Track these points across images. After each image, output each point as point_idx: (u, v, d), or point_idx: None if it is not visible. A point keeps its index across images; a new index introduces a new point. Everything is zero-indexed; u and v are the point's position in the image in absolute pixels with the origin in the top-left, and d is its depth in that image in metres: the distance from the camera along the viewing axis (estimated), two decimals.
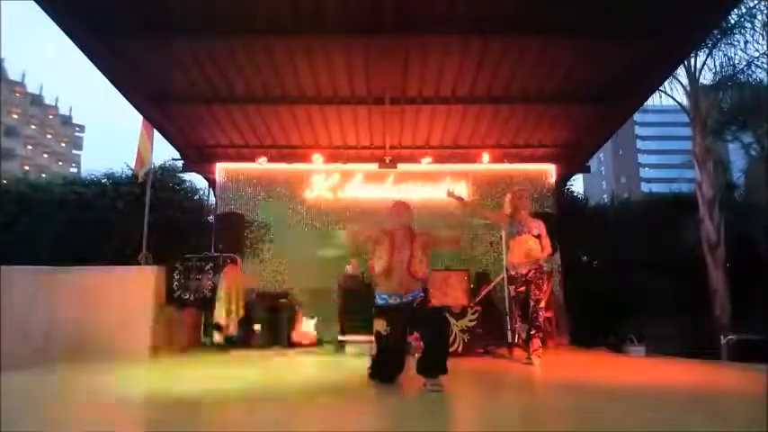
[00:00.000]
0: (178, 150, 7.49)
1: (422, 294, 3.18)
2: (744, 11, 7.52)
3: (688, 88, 7.88)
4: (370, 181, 7.35)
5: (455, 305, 5.19)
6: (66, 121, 50.16)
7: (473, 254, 7.25)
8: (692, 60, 7.73)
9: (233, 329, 5.68)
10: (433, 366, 2.94)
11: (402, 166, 7.27)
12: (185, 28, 4.94)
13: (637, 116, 38.99)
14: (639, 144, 55.16)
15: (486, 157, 7.17)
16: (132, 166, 6.86)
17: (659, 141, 52.42)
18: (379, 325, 3.13)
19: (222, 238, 6.36)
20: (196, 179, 8.55)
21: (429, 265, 3.18)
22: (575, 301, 6.92)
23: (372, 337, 5.19)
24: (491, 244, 7.24)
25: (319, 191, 7.47)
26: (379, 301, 3.17)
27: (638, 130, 53.81)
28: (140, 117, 6.57)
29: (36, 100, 46.20)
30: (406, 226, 3.20)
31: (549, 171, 7.58)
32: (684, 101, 8.03)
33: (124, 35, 4.99)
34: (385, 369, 3.18)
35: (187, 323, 5.54)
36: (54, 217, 7.28)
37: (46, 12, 4.46)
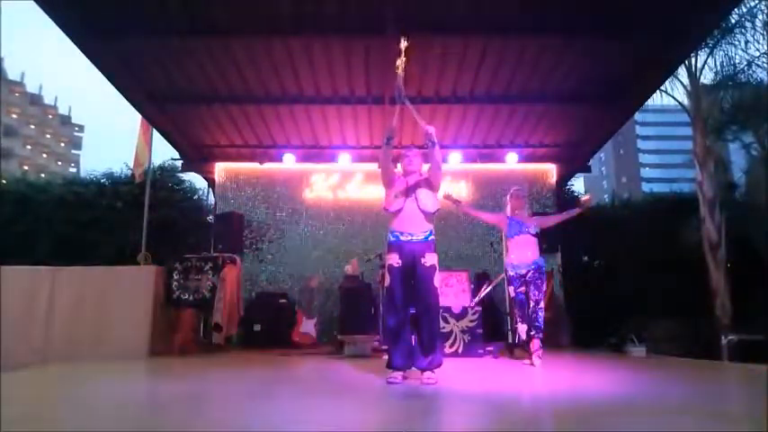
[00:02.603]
0: (178, 150, 7.49)
1: (434, 256, 3.26)
2: (744, 11, 7.51)
3: (689, 88, 7.86)
4: (370, 181, 7.35)
5: (455, 305, 5.19)
6: (66, 120, 50.18)
7: (473, 254, 7.25)
8: (693, 60, 7.72)
9: (232, 330, 5.67)
10: (431, 359, 3.09)
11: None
12: (185, 28, 4.94)
13: (637, 116, 39.08)
14: (640, 144, 55.21)
15: (486, 157, 7.16)
16: (131, 165, 6.86)
17: (660, 141, 52.47)
18: (392, 259, 3.23)
19: (222, 238, 6.36)
20: (195, 179, 8.57)
21: (436, 200, 3.38)
22: (575, 302, 6.92)
23: (374, 339, 5.22)
24: (491, 244, 7.24)
25: (319, 191, 7.47)
26: (391, 238, 3.31)
27: (639, 130, 53.86)
28: (139, 117, 6.57)
29: (35, 100, 46.21)
30: (417, 172, 3.41)
31: (550, 171, 7.58)
32: (685, 100, 8.01)
33: (124, 35, 4.99)
34: (396, 335, 3.18)
35: (186, 323, 5.53)
36: (53, 217, 7.29)
37: (46, 12, 4.46)
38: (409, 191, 3.30)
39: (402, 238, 3.25)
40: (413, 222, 3.26)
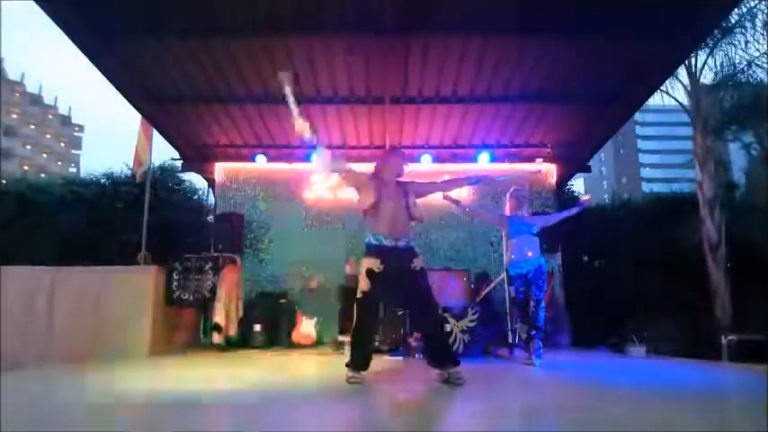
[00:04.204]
0: (178, 150, 7.48)
1: (420, 259, 3.21)
2: (744, 11, 7.51)
3: (689, 88, 7.86)
4: None
5: (455, 305, 5.19)
6: (66, 120, 50.14)
7: (473, 254, 7.25)
8: (693, 60, 7.72)
9: (232, 330, 5.68)
10: (448, 355, 3.09)
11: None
12: (185, 28, 4.94)
13: (637, 116, 38.98)
14: (640, 144, 55.18)
15: (486, 157, 7.16)
16: (131, 165, 6.85)
17: (660, 141, 52.43)
18: (373, 264, 3.12)
19: (222, 238, 6.35)
20: (195, 179, 8.57)
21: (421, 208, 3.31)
22: (575, 301, 6.92)
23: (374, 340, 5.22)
24: (491, 244, 7.24)
25: (319, 191, 7.47)
26: (372, 241, 3.20)
27: (639, 130, 53.83)
28: (140, 117, 6.57)
29: (35, 100, 46.20)
30: (397, 173, 3.32)
31: (550, 171, 7.56)
32: (685, 100, 8.01)
33: (124, 35, 4.99)
34: (364, 338, 3.20)
35: (186, 323, 5.54)
36: (54, 217, 7.29)
37: (46, 12, 4.46)
38: (399, 194, 3.23)
39: (386, 242, 3.16)
40: (399, 227, 3.19)
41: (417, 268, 3.16)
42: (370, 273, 3.13)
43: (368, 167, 3.51)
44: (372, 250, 3.18)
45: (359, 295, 3.17)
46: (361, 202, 3.25)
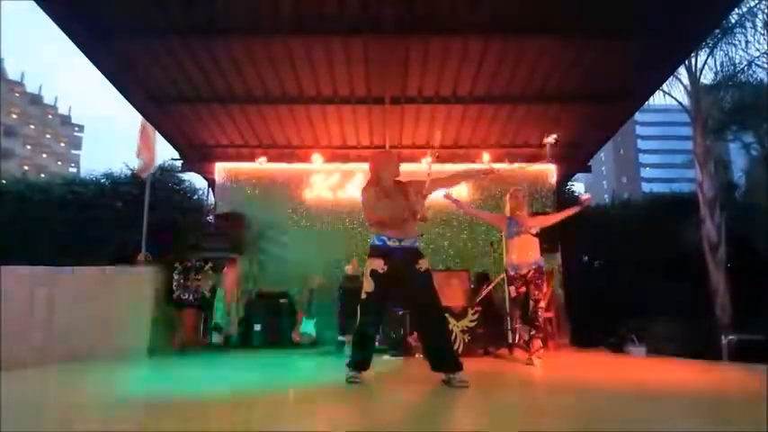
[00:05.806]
0: (178, 150, 7.49)
1: (426, 260, 3.18)
2: (744, 10, 7.51)
3: (689, 88, 7.86)
4: None
5: (455, 305, 5.19)
6: (66, 120, 50.19)
7: (473, 254, 7.25)
8: (693, 60, 7.72)
9: (233, 330, 5.68)
10: (452, 359, 3.03)
11: (402, 166, 7.24)
12: (185, 28, 4.95)
13: (637, 116, 39.06)
14: (640, 144, 55.21)
15: (486, 157, 7.15)
16: (140, 160, 6.68)
17: (660, 141, 52.47)
18: (377, 264, 3.10)
19: (222, 238, 6.36)
20: (196, 179, 8.57)
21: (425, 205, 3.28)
22: (575, 301, 6.92)
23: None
24: (491, 244, 7.23)
25: (319, 191, 7.47)
26: (376, 242, 3.17)
27: (639, 130, 53.87)
28: (140, 117, 6.56)
29: (35, 100, 46.24)
30: (394, 174, 3.33)
31: (550, 171, 7.56)
32: (685, 100, 8.01)
33: (124, 35, 4.99)
34: (366, 338, 3.18)
35: (186, 323, 5.54)
36: (53, 217, 7.29)
37: (46, 12, 4.46)
38: (400, 194, 3.22)
39: (390, 243, 3.13)
40: (403, 227, 3.17)
41: (423, 270, 3.13)
42: (374, 273, 3.12)
43: (367, 168, 3.50)
44: (377, 251, 3.16)
45: (363, 296, 3.14)
46: (373, 211, 3.19)
